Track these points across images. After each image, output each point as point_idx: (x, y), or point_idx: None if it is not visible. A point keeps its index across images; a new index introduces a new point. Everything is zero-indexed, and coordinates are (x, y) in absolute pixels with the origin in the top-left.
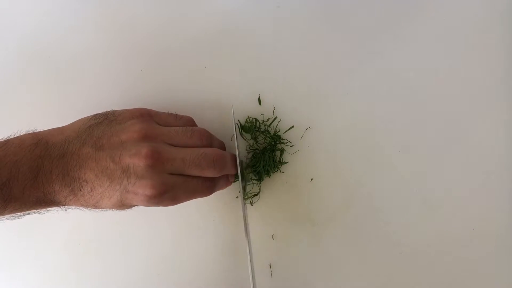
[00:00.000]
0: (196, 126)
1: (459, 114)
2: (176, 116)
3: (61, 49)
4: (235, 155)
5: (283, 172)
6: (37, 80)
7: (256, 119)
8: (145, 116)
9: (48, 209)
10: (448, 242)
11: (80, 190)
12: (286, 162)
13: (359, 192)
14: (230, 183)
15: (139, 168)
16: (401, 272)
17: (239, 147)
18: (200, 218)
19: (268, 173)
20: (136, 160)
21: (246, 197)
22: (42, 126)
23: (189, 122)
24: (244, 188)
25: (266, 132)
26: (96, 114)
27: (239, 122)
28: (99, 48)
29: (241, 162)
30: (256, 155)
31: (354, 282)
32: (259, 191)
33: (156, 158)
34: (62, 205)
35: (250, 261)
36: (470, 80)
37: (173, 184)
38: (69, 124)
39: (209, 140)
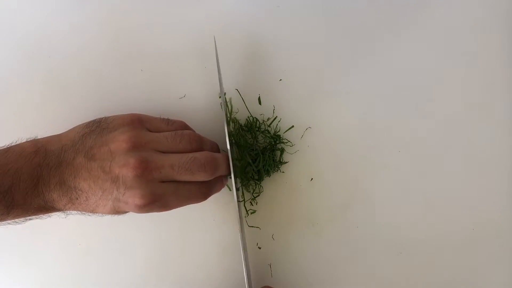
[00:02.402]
0: (189, 129)
1: (459, 114)
2: (168, 121)
3: (61, 49)
4: (228, 156)
5: (283, 172)
6: (37, 80)
7: (256, 118)
8: (135, 122)
9: (49, 214)
10: (448, 242)
11: (77, 199)
12: (286, 162)
13: (359, 192)
14: (224, 185)
15: (128, 178)
16: (401, 272)
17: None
18: (200, 218)
19: (268, 173)
20: (124, 171)
21: (255, 193)
22: (41, 126)
23: (181, 126)
24: (237, 188)
25: (266, 132)
26: (90, 122)
27: (239, 122)
28: (99, 48)
29: (234, 161)
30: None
31: (354, 282)
32: (262, 191)
33: (144, 167)
34: (62, 211)
35: (245, 260)
36: (470, 80)
37: (163, 192)
38: (66, 132)
39: (199, 143)
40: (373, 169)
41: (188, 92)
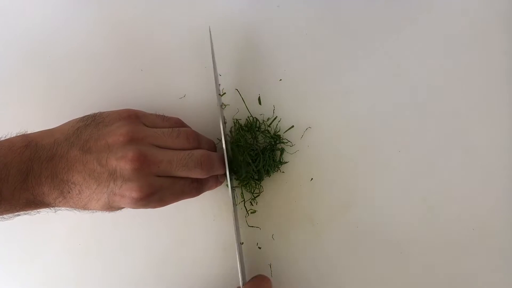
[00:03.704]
0: (184, 127)
1: (459, 114)
2: (163, 117)
3: (60, 49)
4: (223, 155)
5: (283, 172)
6: (37, 80)
7: (256, 118)
8: (132, 117)
9: (38, 210)
10: (448, 242)
11: (69, 192)
12: (286, 162)
13: (359, 192)
14: (220, 183)
15: (125, 171)
16: (401, 272)
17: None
18: (200, 217)
19: (268, 173)
20: (122, 163)
21: (255, 193)
22: (41, 125)
23: (177, 123)
24: (232, 186)
25: (266, 132)
26: (84, 116)
27: (239, 122)
28: (99, 48)
29: (229, 159)
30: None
31: (354, 282)
32: (262, 191)
33: (142, 161)
34: (52, 207)
35: (240, 261)
36: (470, 80)
37: (159, 186)
38: (58, 126)
39: (196, 140)
40: (373, 169)
41: (188, 92)
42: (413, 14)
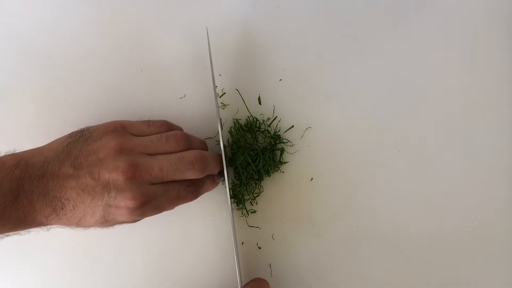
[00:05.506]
0: (172, 128)
1: (459, 114)
2: (149, 122)
3: (61, 50)
4: (218, 154)
5: (283, 172)
6: (37, 79)
7: (256, 118)
8: (118, 129)
9: (28, 230)
10: (448, 242)
11: (62, 209)
12: (286, 162)
13: (359, 192)
14: (217, 184)
15: (118, 182)
16: (401, 272)
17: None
18: (200, 218)
19: (268, 173)
20: (115, 175)
21: (255, 193)
22: (41, 125)
23: (163, 126)
24: (229, 184)
25: (266, 132)
26: (72, 133)
27: (239, 122)
28: (99, 48)
29: (226, 156)
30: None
31: (354, 282)
32: (262, 191)
33: (134, 170)
34: (44, 225)
35: (237, 260)
36: (471, 80)
37: (154, 194)
38: (47, 144)
39: (186, 142)
40: (373, 169)
41: (188, 92)
42: (413, 14)
